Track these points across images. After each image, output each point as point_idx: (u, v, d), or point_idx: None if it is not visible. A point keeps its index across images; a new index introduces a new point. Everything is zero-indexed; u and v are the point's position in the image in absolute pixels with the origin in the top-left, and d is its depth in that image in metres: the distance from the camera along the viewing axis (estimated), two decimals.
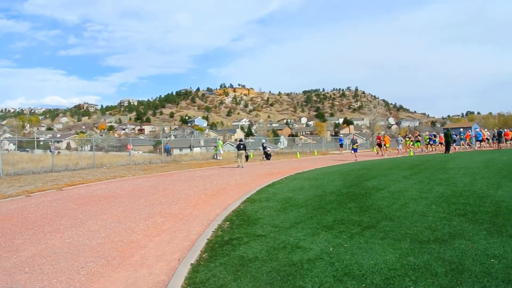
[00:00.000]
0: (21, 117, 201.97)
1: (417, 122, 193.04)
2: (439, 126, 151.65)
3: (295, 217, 7.55)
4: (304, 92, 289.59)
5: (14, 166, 20.70)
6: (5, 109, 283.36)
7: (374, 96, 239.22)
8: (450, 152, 27.57)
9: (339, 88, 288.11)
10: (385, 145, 29.99)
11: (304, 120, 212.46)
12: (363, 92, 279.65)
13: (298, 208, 8.40)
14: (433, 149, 33.05)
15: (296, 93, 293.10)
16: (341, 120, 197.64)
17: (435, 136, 34.42)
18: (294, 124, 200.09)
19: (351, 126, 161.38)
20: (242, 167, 21.23)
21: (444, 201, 8.23)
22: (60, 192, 12.29)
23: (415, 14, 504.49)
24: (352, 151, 27.56)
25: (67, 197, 11.13)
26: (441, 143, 33.12)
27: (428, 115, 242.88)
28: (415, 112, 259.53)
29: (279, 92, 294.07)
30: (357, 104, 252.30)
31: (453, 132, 31.90)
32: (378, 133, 35.73)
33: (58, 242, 6.48)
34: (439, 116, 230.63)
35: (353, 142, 28.28)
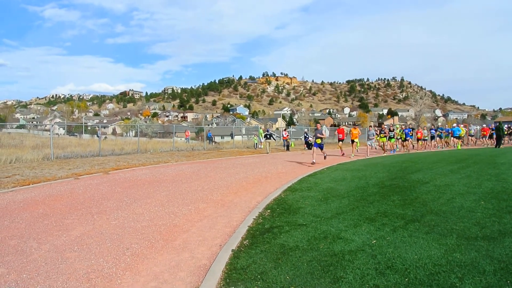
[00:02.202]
0: (70, 103, 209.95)
1: (466, 115, 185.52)
2: (489, 119, 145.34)
3: (337, 208, 7.47)
4: (348, 81, 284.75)
5: (63, 150, 21.56)
6: (56, 95, 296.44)
7: (421, 87, 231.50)
8: (500, 146, 26.27)
9: (384, 78, 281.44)
10: (352, 140, 21.92)
11: (347, 110, 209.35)
12: (409, 83, 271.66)
13: (339, 199, 8.31)
14: (407, 146, 26.23)
15: (340, 83, 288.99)
16: (385, 111, 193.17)
17: (412, 130, 29.17)
18: (336, 114, 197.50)
19: (396, 117, 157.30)
20: (267, 152, 25.02)
21: (493, 197, 7.90)
22: (106, 175, 12.72)
23: (466, 0, 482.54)
24: (369, 145, 22.60)
25: (113, 181, 11.50)
26: (420, 140, 28.03)
27: (478, 107, 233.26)
28: (463, 104, 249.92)
29: (322, 82, 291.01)
30: (402, 94, 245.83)
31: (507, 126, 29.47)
32: (338, 125, 27.56)
33: (104, 223, 6.72)
34: (490, 109, 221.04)
35: (369, 135, 23.06)
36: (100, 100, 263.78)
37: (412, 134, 27.28)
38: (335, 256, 4.80)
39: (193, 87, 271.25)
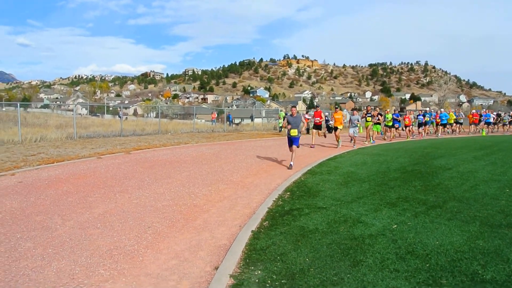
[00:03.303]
0: (92, 83, 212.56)
1: (492, 101, 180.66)
2: None
3: (357, 192, 7.43)
4: (370, 65, 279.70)
5: (86, 129, 21.90)
6: (78, 75, 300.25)
7: (445, 72, 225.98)
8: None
9: (407, 62, 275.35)
10: (335, 127, 17.30)
11: (368, 94, 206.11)
12: (433, 67, 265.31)
13: (360, 183, 8.26)
14: (397, 134, 23.46)
15: (362, 66, 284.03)
16: (407, 96, 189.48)
17: (400, 115, 25.13)
18: (358, 98, 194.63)
19: (418, 102, 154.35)
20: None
21: None
22: (128, 155, 12.89)
23: None
24: (351, 133, 17.26)
25: (134, 160, 11.65)
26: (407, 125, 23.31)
27: (505, 93, 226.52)
28: (490, 89, 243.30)
29: (344, 65, 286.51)
30: (426, 79, 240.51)
31: None
32: (315, 108, 21.17)
33: (126, 202, 6.83)
34: None
35: (352, 121, 17.59)
36: (121, 81, 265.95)
37: (400, 120, 23.35)
38: (355, 240, 4.79)
39: (214, 69, 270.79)
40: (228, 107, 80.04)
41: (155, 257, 4.46)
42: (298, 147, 11.27)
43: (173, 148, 15.37)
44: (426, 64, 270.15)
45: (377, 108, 21.57)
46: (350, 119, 17.87)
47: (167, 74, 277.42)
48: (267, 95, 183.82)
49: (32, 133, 17.61)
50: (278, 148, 16.05)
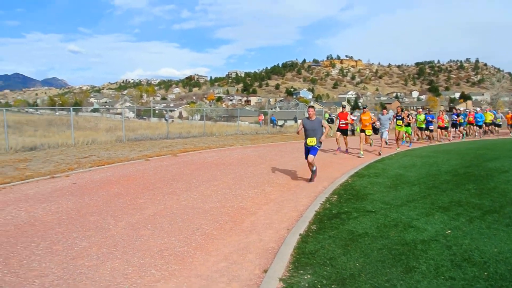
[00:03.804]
0: (139, 87, 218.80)
1: None
2: None
3: (407, 195, 7.22)
4: (417, 64, 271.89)
5: (134, 132, 22.58)
6: (126, 80, 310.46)
7: (498, 69, 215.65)
8: None
9: (457, 60, 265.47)
10: (362, 130, 14.56)
11: (415, 94, 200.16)
12: (485, 64, 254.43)
13: (410, 186, 8.02)
14: (430, 137, 20.34)
15: (408, 65, 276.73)
16: (457, 95, 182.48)
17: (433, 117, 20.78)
18: (404, 98, 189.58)
19: (469, 102, 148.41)
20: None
21: None
22: (175, 157, 13.15)
23: None
24: (382, 137, 15.51)
25: (181, 163, 11.87)
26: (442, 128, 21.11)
27: None
28: None
29: (389, 64, 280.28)
30: (477, 77, 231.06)
31: None
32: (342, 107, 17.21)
33: (175, 204, 6.96)
34: None
35: (382, 121, 15.63)
36: (167, 84, 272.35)
37: (434, 121, 20.35)
38: (406, 245, 4.65)
39: (257, 71, 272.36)
40: (271, 109, 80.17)
41: (204, 258, 4.52)
42: (314, 157, 8.84)
43: (218, 151, 15.55)
44: (477, 61, 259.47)
45: (406, 110, 19.13)
46: (379, 119, 15.60)
47: (211, 77, 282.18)
48: (310, 96, 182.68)
49: (84, 136, 18.34)
50: (323, 150, 15.89)
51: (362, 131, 14.40)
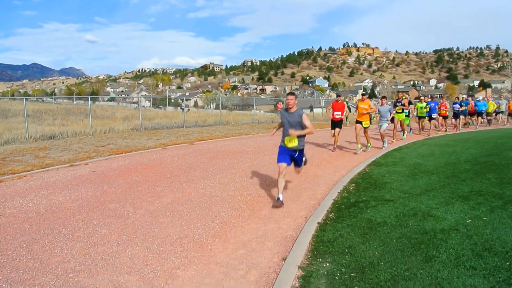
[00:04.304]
0: (155, 76, 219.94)
1: None
2: None
3: (426, 184, 7.14)
4: (435, 51, 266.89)
5: (150, 121, 22.72)
6: (142, 69, 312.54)
7: None
8: None
9: (476, 47, 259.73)
10: (358, 121, 12.35)
11: (433, 82, 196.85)
12: (506, 51, 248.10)
13: (428, 175, 7.92)
14: (433, 126, 19.16)
15: (426, 53, 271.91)
16: (476, 83, 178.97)
17: (439, 104, 19.07)
18: (422, 86, 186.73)
19: (489, 89, 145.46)
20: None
21: None
22: (191, 146, 13.22)
23: None
24: (380, 127, 13.00)
25: (198, 151, 11.93)
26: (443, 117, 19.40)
27: None
28: None
29: (407, 52, 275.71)
30: (497, 64, 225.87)
31: None
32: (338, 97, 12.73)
33: (193, 192, 7.01)
34: None
35: (381, 113, 13.10)
36: (182, 73, 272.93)
37: (438, 107, 18.74)
38: (426, 234, 4.61)
39: (272, 59, 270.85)
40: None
41: (223, 246, 4.55)
42: (300, 168, 6.79)
43: (234, 139, 15.58)
44: (498, 48, 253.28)
45: (406, 96, 16.42)
46: (379, 111, 13.04)
47: (226, 66, 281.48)
48: (326, 85, 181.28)
49: (101, 125, 18.56)
50: (340, 138, 15.80)
51: (358, 122, 12.12)
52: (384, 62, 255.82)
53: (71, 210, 5.86)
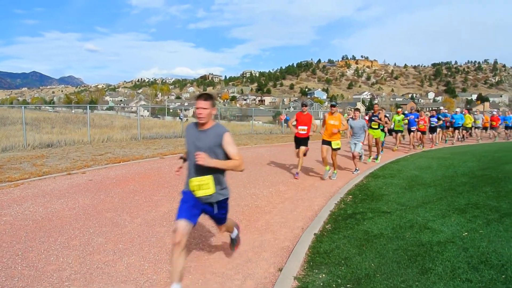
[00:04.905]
0: (154, 86, 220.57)
1: None
2: None
3: (423, 197, 7.15)
4: (433, 64, 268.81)
5: (149, 131, 22.72)
6: (141, 78, 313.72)
7: None
8: None
9: (474, 61, 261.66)
10: (325, 141, 9.87)
11: (431, 95, 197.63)
12: (504, 66, 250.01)
13: (425, 188, 7.94)
14: (413, 140, 16.97)
15: (424, 66, 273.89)
16: (474, 96, 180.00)
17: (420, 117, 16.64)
18: (420, 99, 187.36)
19: (486, 103, 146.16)
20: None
21: None
22: None
23: None
24: (354, 150, 10.81)
25: None
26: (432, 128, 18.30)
27: None
28: None
29: (405, 65, 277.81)
30: (495, 78, 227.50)
31: None
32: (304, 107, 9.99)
33: None
34: None
35: (353, 129, 10.95)
36: (181, 83, 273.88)
37: (418, 121, 16.56)
38: (422, 247, 4.61)
39: (271, 70, 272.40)
40: (286, 109, 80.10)
41: (219, 256, 4.55)
42: (223, 225, 4.19)
43: None
44: (496, 62, 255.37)
45: (382, 109, 13.81)
46: (351, 127, 10.86)
47: (225, 77, 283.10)
48: (324, 97, 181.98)
49: (99, 134, 18.54)
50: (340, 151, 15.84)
51: (326, 142, 9.67)
52: (382, 75, 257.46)
53: (67, 218, 5.84)
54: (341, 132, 9.70)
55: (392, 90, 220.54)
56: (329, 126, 9.53)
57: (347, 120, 11.29)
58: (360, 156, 11.14)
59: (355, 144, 10.81)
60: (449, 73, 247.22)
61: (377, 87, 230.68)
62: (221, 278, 3.97)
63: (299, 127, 9.82)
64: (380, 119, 13.05)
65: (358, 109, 11.04)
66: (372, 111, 13.63)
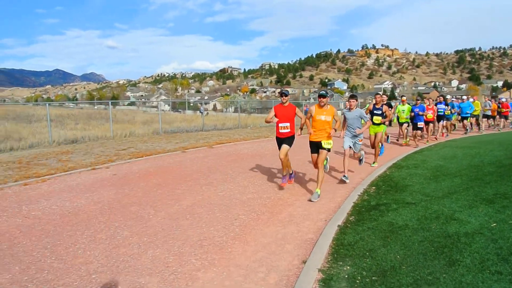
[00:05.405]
0: (174, 80, 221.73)
1: None
2: None
3: (448, 187, 7.01)
4: (456, 51, 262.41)
5: (170, 125, 22.88)
6: (161, 73, 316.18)
7: None
8: None
9: (500, 47, 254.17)
10: (316, 145, 7.32)
11: (454, 83, 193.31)
12: None
13: (451, 178, 7.78)
14: (415, 136, 14.05)
15: (447, 53, 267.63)
16: (500, 83, 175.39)
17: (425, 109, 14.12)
18: (443, 88, 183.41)
19: None
20: None
21: None
22: (210, 149, 13.28)
23: None
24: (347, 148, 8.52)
25: (217, 154, 11.98)
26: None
27: None
28: None
29: (427, 52, 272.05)
30: None
31: None
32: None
33: (212, 195, 7.04)
34: None
35: (349, 124, 8.58)
36: (201, 77, 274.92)
37: (423, 114, 13.95)
38: (449, 238, 4.52)
39: (290, 62, 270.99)
40: (306, 100, 79.60)
41: (243, 248, 4.55)
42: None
43: (253, 142, 15.59)
44: None
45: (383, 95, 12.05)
46: (344, 119, 8.66)
47: (244, 69, 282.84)
48: (345, 87, 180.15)
49: (122, 129, 18.78)
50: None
51: (314, 144, 7.33)
52: (404, 64, 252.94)
53: (93, 213, 5.95)
54: (336, 131, 7.19)
55: (414, 79, 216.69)
56: (318, 123, 7.03)
57: (342, 113, 8.91)
58: (360, 160, 8.97)
59: (352, 142, 8.54)
60: (473, 60, 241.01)
61: (398, 76, 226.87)
62: (245, 271, 3.98)
63: (280, 125, 7.44)
64: (383, 112, 10.43)
65: (354, 96, 8.62)
66: (374, 103, 10.75)
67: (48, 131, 14.98)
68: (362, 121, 8.68)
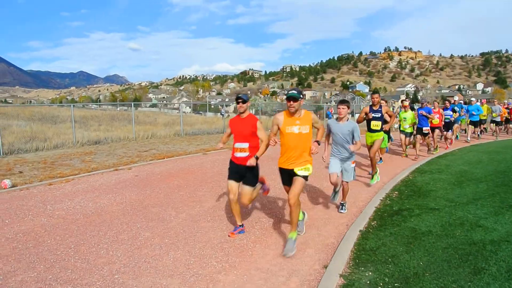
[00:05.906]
0: (195, 83, 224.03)
1: None
2: None
3: (473, 193, 6.87)
4: (482, 54, 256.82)
5: (191, 127, 23.06)
6: (183, 76, 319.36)
7: None
8: None
9: None
10: (287, 174, 4.96)
11: (480, 86, 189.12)
12: None
13: (476, 183, 7.62)
14: (428, 144, 12.82)
15: (472, 56, 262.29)
16: None
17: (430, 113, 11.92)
18: (468, 91, 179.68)
19: None
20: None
21: None
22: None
23: None
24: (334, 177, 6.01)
25: None
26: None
27: None
28: None
29: (451, 55, 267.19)
30: None
31: None
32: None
33: None
34: None
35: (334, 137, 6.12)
36: (222, 79, 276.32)
37: (428, 117, 11.89)
38: (474, 245, 4.42)
39: (311, 64, 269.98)
40: (327, 103, 79.13)
41: (263, 252, 4.54)
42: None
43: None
44: None
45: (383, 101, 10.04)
46: (329, 132, 6.24)
47: (265, 72, 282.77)
48: (367, 90, 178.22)
49: (144, 131, 19.01)
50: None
51: (287, 174, 5.05)
52: (427, 66, 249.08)
53: (115, 213, 6.03)
54: (320, 144, 4.82)
55: (438, 82, 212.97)
56: (289, 139, 4.75)
57: (327, 125, 6.25)
58: (335, 192, 6.36)
59: (341, 167, 6.20)
60: (499, 63, 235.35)
61: (421, 79, 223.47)
62: (266, 274, 3.97)
63: (235, 145, 5.31)
64: (382, 116, 8.71)
65: (345, 102, 5.96)
66: (371, 104, 8.98)
67: (72, 132, 15.27)
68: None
